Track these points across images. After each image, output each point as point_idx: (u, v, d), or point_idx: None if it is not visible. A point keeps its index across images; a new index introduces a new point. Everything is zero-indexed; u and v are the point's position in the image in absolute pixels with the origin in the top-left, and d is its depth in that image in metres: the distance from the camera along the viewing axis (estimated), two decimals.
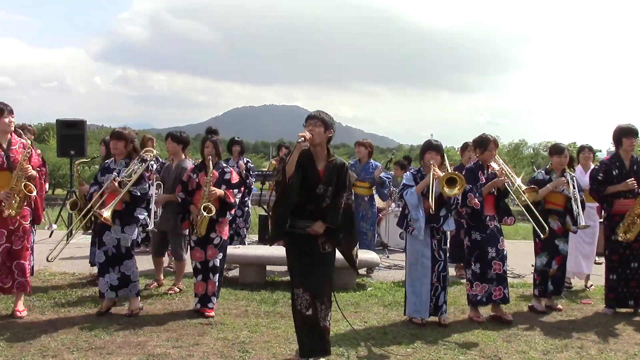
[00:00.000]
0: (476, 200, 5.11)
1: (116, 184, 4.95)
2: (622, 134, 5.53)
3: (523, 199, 5.24)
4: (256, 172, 8.68)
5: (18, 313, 4.91)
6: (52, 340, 4.32)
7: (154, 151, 5.52)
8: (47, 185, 5.24)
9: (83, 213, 5.23)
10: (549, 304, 5.70)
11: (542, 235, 5.29)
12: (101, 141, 7.15)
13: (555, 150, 5.72)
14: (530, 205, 5.27)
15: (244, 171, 7.74)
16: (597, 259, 6.99)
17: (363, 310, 5.49)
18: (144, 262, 7.15)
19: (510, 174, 5.32)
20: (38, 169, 4.92)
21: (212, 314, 5.10)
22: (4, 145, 4.76)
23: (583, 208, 5.57)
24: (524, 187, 5.35)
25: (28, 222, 4.89)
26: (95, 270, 5.72)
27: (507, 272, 5.52)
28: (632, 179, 5.40)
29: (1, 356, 3.99)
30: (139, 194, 5.03)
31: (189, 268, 6.15)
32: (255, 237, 9.59)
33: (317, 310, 3.76)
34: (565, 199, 5.60)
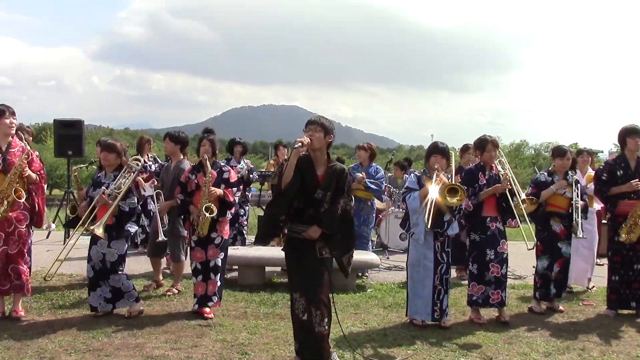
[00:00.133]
0: (469, 202, 5.08)
1: (106, 197, 4.90)
2: (627, 134, 5.51)
3: (520, 208, 5.19)
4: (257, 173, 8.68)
5: (15, 314, 4.88)
6: (50, 342, 4.28)
7: (142, 159, 5.46)
8: (45, 185, 5.19)
9: (76, 228, 5.16)
10: (550, 305, 5.67)
11: (528, 247, 5.27)
12: (97, 142, 7.12)
13: (558, 152, 5.69)
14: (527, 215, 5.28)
15: (247, 172, 7.74)
16: (598, 260, 6.96)
17: (363, 312, 5.46)
18: (142, 263, 7.13)
19: (513, 180, 5.24)
20: (38, 173, 4.88)
21: (211, 315, 5.07)
22: (3, 148, 4.71)
23: (585, 214, 5.55)
24: (523, 197, 5.30)
25: (24, 226, 4.84)
26: None
27: (508, 273, 5.48)
28: (637, 179, 5.37)
29: None
30: (127, 210, 4.97)
31: (187, 269, 6.12)
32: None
33: (312, 315, 3.74)
34: (568, 201, 5.56)
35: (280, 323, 4.92)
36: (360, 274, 6.94)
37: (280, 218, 3.81)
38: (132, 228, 5.07)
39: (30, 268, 5.79)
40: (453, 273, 6.85)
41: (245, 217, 7.81)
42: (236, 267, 6.77)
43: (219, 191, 5.13)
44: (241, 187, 6.65)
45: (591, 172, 6.59)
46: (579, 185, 5.62)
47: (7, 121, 4.68)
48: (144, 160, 7.68)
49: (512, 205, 5.12)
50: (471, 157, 6.84)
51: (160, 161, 8.04)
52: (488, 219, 5.20)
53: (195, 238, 5.20)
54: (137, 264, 7.18)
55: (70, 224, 5.30)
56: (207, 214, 4.97)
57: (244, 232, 7.80)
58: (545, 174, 5.73)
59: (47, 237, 8.82)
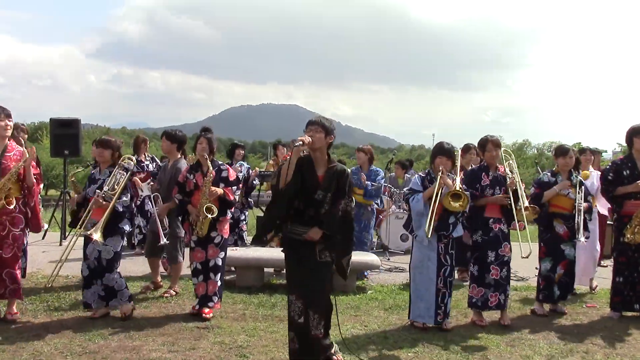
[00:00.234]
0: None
1: (100, 200, 4.84)
2: (634, 134, 5.45)
3: (522, 214, 5.11)
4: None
5: (10, 316, 4.81)
6: (45, 345, 4.23)
7: (134, 159, 5.40)
8: (40, 186, 5.09)
9: (76, 230, 5.09)
10: (553, 307, 5.61)
11: (523, 254, 5.21)
12: (93, 142, 7.04)
13: (560, 151, 5.63)
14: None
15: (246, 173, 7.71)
16: (602, 262, 6.89)
17: (363, 314, 5.39)
18: (140, 265, 7.05)
19: (519, 185, 5.16)
20: (36, 176, 4.81)
21: (210, 315, 5.01)
22: None
23: (589, 214, 5.48)
24: (526, 204, 5.22)
25: (19, 229, 4.76)
26: None
27: (510, 276, 5.39)
28: None
29: None
30: (121, 209, 4.91)
31: (184, 271, 6.04)
32: None
33: (308, 318, 3.69)
34: (571, 202, 5.49)
35: (279, 325, 4.85)
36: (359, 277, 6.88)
37: (276, 219, 3.79)
38: (127, 226, 5.00)
39: (25, 269, 5.70)
40: (455, 274, 6.79)
41: (245, 222, 7.78)
42: (233, 268, 6.69)
43: (220, 191, 5.07)
44: (240, 185, 6.58)
45: (587, 171, 6.53)
46: (582, 187, 5.55)
47: (2, 123, 4.57)
48: (140, 160, 7.61)
49: (515, 209, 5.03)
50: (473, 157, 6.76)
51: (158, 161, 7.97)
52: (491, 220, 5.13)
53: (194, 238, 5.13)
54: (134, 266, 7.10)
55: (72, 224, 5.25)
56: (208, 215, 4.91)
57: (244, 236, 7.75)
58: (549, 174, 5.66)
59: (43, 237, 8.74)
